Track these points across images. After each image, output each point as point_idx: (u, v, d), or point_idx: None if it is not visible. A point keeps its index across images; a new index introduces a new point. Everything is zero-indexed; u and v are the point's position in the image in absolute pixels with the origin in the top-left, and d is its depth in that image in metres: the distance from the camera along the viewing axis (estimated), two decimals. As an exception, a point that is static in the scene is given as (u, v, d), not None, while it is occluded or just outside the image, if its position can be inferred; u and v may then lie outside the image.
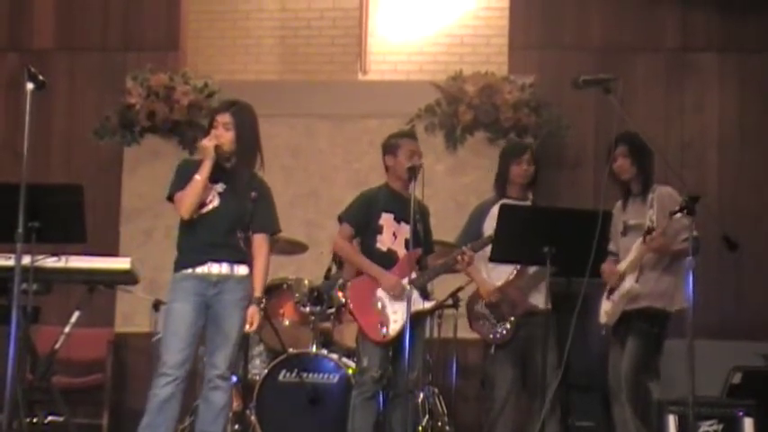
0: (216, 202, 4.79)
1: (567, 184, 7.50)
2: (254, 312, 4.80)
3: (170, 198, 4.84)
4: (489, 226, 5.38)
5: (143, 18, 7.93)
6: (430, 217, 5.55)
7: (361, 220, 5.38)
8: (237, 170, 4.82)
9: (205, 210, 4.78)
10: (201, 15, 8.12)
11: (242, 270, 4.80)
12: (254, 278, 4.82)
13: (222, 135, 4.78)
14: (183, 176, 4.80)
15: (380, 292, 5.29)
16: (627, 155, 5.32)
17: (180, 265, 4.81)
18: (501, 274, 5.45)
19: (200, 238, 4.77)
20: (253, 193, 4.81)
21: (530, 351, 5.39)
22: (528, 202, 5.56)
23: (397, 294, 5.23)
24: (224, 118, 4.82)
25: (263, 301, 4.93)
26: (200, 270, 4.75)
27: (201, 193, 4.73)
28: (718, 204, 7.27)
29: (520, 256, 5.16)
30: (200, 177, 4.71)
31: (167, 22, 7.91)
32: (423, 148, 5.51)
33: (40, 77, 4.35)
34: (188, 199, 4.73)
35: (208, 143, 4.76)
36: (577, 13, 7.80)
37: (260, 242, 4.88)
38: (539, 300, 5.33)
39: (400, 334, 5.14)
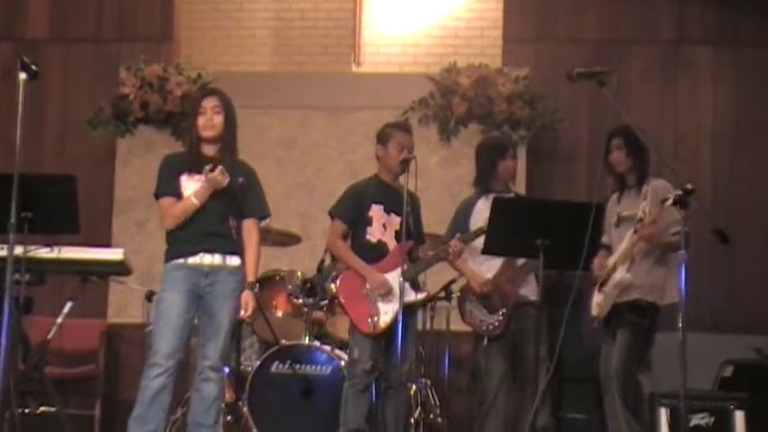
0: (206, 192, 4.78)
1: (560, 177, 7.50)
2: (248, 298, 4.79)
3: (157, 197, 4.84)
4: (475, 221, 5.41)
5: (137, 9, 7.90)
6: (421, 208, 5.53)
7: (353, 213, 5.36)
8: (224, 156, 4.80)
9: (196, 200, 4.77)
10: (195, 6, 8.09)
11: (234, 261, 4.79)
12: (246, 264, 4.81)
13: (212, 119, 4.76)
14: (169, 175, 4.80)
15: (371, 284, 5.30)
16: (622, 147, 5.33)
17: (171, 255, 4.79)
18: (491, 267, 5.45)
19: (192, 228, 4.75)
20: (240, 179, 4.80)
21: (520, 343, 5.41)
22: (511, 195, 5.56)
23: (383, 294, 5.23)
24: (212, 101, 4.81)
25: (257, 285, 4.91)
26: (191, 260, 4.74)
27: (190, 214, 4.72)
28: (712, 198, 7.28)
29: (513, 249, 5.16)
30: (197, 203, 4.70)
31: (161, 12, 7.88)
32: (416, 140, 5.49)
33: (34, 67, 4.33)
34: (177, 214, 4.74)
35: (222, 178, 4.69)
36: (572, 5, 7.78)
37: (250, 227, 4.87)
38: (529, 291, 5.35)
39: (391, 326, 5.14)
